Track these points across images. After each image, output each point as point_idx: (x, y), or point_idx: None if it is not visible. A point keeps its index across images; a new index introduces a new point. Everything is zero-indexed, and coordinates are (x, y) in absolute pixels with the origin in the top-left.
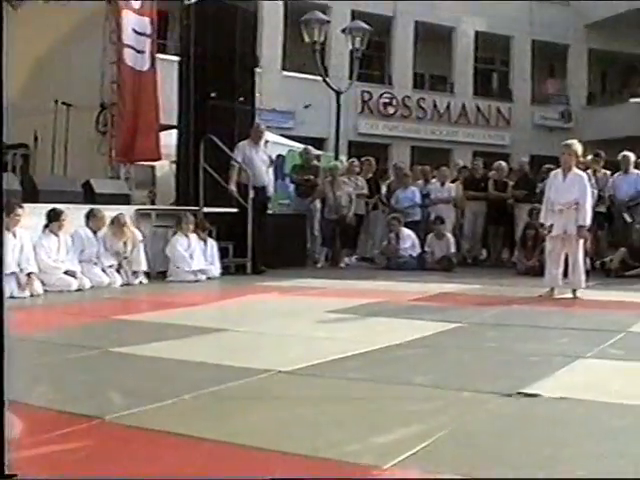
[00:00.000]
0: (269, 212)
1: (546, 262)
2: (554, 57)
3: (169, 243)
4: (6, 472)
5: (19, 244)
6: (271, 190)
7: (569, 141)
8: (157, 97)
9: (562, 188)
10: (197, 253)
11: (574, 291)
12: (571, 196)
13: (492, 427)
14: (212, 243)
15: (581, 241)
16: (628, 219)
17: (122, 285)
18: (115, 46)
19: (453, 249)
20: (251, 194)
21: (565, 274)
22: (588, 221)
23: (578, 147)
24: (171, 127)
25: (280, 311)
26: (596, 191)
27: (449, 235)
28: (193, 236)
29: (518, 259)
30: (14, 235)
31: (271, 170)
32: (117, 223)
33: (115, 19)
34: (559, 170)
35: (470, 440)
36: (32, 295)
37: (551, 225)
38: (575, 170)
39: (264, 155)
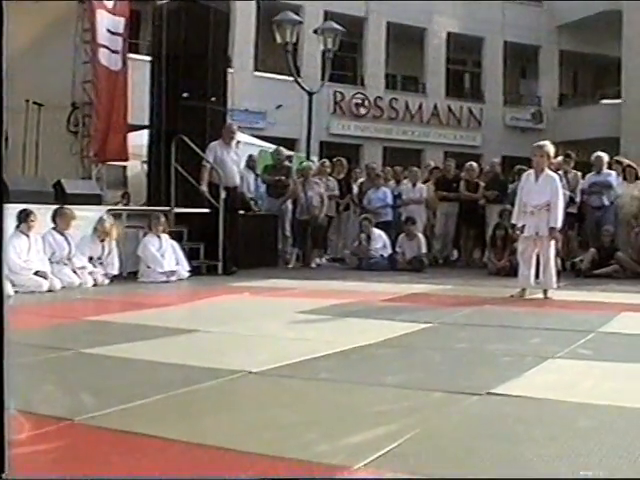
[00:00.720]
0: (242, 212)
1: (519, 263)
2: (526, 58)
3: (141, 243)
4: (6, 472)
5: None
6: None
7: (541, 142)
8: (127, 97)
9: (534, 189)
10: (168, 253)
11: (545, 291)
12: (543, 197)
13: (462, 427)
14: (174, 244)
15: (552, 242)
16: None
17: (93, 286)
18: (89, 45)
19: (424, 249)
20: (222, 194)
21: (537, 275)
22: (559, 223)
23: (550, 148)
24: (143, 127)
25: (251, 312)
26: (567, 192)
27: (420, 235)
28: (164, 236)
29: (489, 259)
30: None
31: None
32: (101, 227)
33: (89, 19)
34: (531, 171)
35: (440, 440)
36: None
37: (523, 226)
38: (547, 171)
39: (235, 155)
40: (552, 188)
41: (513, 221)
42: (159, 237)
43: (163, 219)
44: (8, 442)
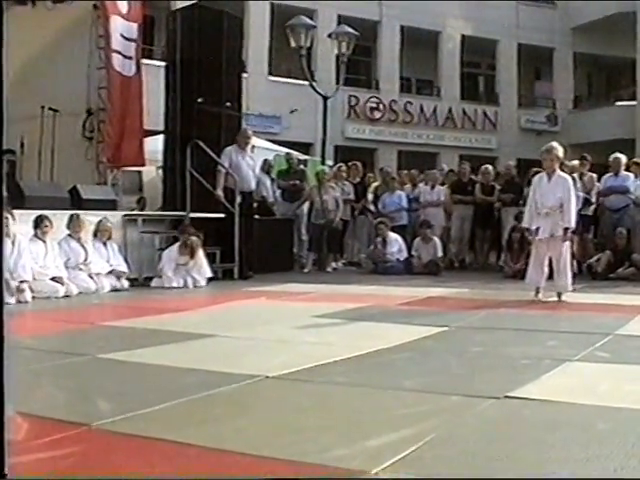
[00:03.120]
0: (258, 217)
1: (529, 264)
2: (540, 60)
3: (170, 248)
4: (6, 471)
5: (16, 251)
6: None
7: (548, 146)
8: (142, 102)
9: (547, 191)
10: (191, 263)
11: (559, 294)
12: (556, 199)
13: (480, 430)
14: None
15: (567, 243)
16: None
17: (110, 291)
18: (103, 51)
19: (440, 253)
20: (238, 199)
21: (550, 276)
22: (573, 223)
23: (559, 150)
24: (158, 132)
25: (268, 316)
26: (582, 194)
27: (436, 239)
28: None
29: (505, 262)
30: (13, 242)
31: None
32: (103, 227)
33: (103, 24)
34: (543, 173)
35: (458, 444)
36: (19, 302)
37: (537, 228)
38: (559, 172)
39: (251, 160)
40: (564, 188)
41: (525, 224)
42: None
43: (194, 245)
44: (8, 442)
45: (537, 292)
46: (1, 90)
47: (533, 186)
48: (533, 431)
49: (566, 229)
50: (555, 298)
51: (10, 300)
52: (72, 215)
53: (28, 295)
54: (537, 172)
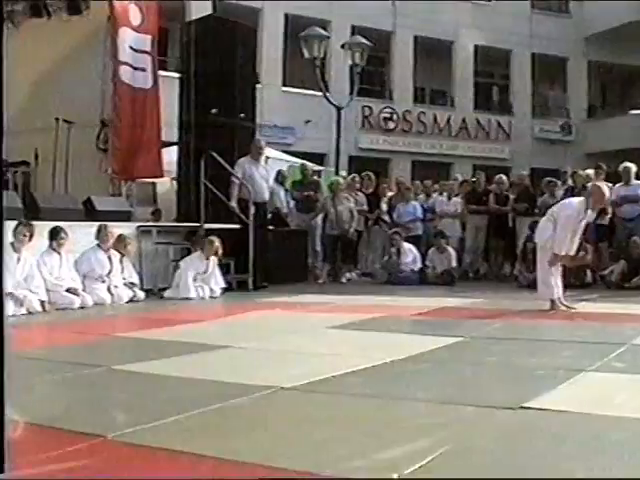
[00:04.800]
0: (272, 228)
1: (545, 277)
2: (554, 70)
3: (185, 260)
4: (5, 471)
5: (21, 266)
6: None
7: (603, 188)
8: (159, 114)
9: (582, 221)
10: (209, 275)
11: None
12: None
13: (496, 441)
14: (215, 261)
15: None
16: None
17: (125, 302)
18: (111, 63)
19: (454, 263)
20: (252, 210)
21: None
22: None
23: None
24: (172, 144)
25: (282, 327)
26: None
27: (450, 249)
28: (212, 259)
29: (519, 272)
30: (18, 258)
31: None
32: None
33: (111, 36)
34: (583, 204)
35: (474, 455)
36: (30, 313)
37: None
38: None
39: (264, 170)
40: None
41: (562, 252)
42: (207, 259)
43: (217, 243)
44: (8, 442)
45: (553, 302)
46: (1, 102)
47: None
48: (549, 442)
49: None
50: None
51: (21, 310)
52: (101, 225)
53: (37, 305)
54: (551, 182)
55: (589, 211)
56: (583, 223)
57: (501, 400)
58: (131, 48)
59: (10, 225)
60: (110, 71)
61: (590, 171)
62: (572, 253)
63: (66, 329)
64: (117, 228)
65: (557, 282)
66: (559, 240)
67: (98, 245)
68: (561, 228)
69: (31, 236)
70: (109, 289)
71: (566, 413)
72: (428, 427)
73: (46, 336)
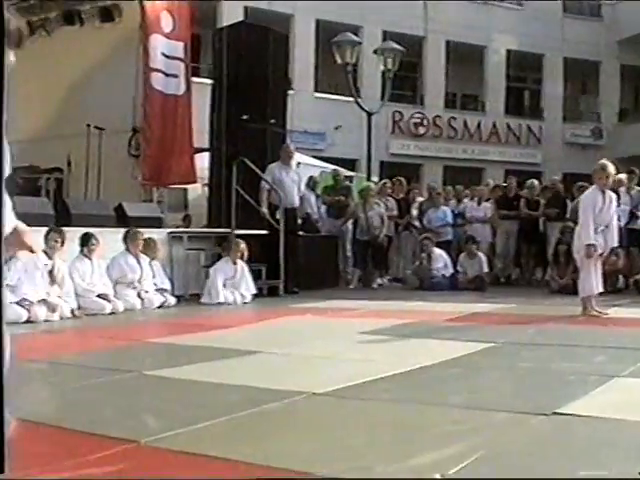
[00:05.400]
0: (302, 234)
1: (586, 275)
2: (586, 74)
3: (214, 266)
4: (5, 470)
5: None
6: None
7: (602, 163)
8: (191, 120)
9: (604, 208)
10: (238, 279)
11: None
12: (608, 217)
13: (529, 447)
14: (243, 266)
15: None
16: None
17: (157, 308)
18: (143, 70)
19: (486, 269)
20: (282, 215)
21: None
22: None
23: (612, 168)
24: (203, 150)
25: (314, 333)
26: (628, 208)
27: (481, 255)
28: (240, 263)
29: (551, 277)
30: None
31: (312, 195)
32: (147, 244)
33: (143, 43)
34: (596, 189)
35: (507, 461)
36: (61, 318)
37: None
38: (609, 192)
39: (295, 175)
40: (614, 207)
41: (590, 241)
42: (235, 263)
43: (243, 245)
44: (8, 442)
45: (585, 307)
46: (2, 104)
47: (590, 203)
48: (582, 447)
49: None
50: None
51: (53, 316)
52: (129, 230)
53: (66, 310)
54: (582, 187)
55: (608, 195)
56: (610, 211)
57: (534, 406)
58: (163, 55)
59: (41, 232)
60: (142, 78)
61: (622, 175)
62: (601, 251)
63: (97, 335)
64: (148, 234)
65: (597, 284)
66: (583, 229)
67: (127, 249)
68: (582, 215)
69: (62, 242)
70: (139, 294)
71: (599, 419)
72: (460, 433)
73: (78, 342)
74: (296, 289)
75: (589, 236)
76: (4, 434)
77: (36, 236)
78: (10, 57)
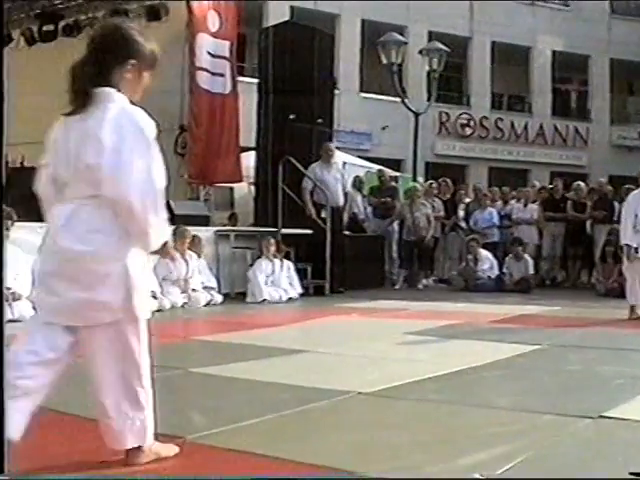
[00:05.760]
0: (348, 233)
1: (627, 283)
2: (633, 75)
3: (253, 266)
4: (5, 470)
5: None
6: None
7: None
8: (238, 119)
9: None
10: (282, 276)
11: None
12: None
13: (575, 450)
14: (289, 265)
15: None
16: None
17: (203, 306)
18: (189, 69)
19: (531, 271)
20: (327, 214)
21: None
22: None
23: None
24: (250, 149)
25: (359, 332)
26: None
27: (527, 257)
28: (277, 260)
29: (597, 280)
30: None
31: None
32: (193, 242)
33: (189, 42)
34: (638, 190)
35: (553, 463)
36: None
37: (637, 248)
38: None
39: (338, 174)
40: None
41: (626, 241)
42: (271, 261)
43: (273, 241)
44: (8, 441)
45: (632, 309)
46: (2, 101)
47: (630, 203)
48: (629, 452)
49: None
50: None
51: None
52: (177, 227)
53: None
54: (630, 189)
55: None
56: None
57: (580, 409)
58: (209, 54)
59: None
60: (188, 76)
61: None
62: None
63: None
64: (194, 232)
65: (638, 288)
66: (621, 229)
67: (174, 248)
68: (622, 216)
69: None
70: (186, 292)
71: None
72: (506, 435)
73: None
74: (342, 289)
75: (625, 235)
76: (4, 434)
77: None
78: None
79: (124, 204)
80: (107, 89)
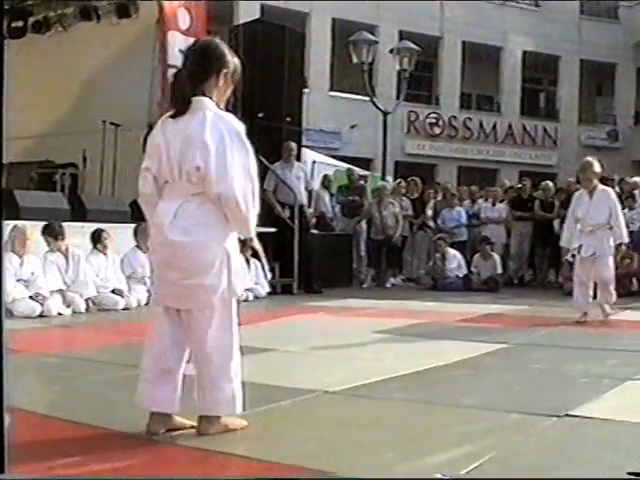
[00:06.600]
0: (316, 232)
1: (574, 287)
2: (602, 76)
3: None
4: (5, 470)
5: (72, 263)
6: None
7: (582, 164)
8: None
9: (591, 208)
10: (244, 273)
11: (603, 309)
12: (602, 216)
13: (541, 449)
14: (256, 263)
15: (611, 261)
16: None
17: None
18: (160, 67)
19: (499, 270)
20: (287, 213)
21: (594, 296)
22: (626, 238)
23: (594, 166)
24: None
25: (327, 331)
26: None
27: (495, 256)
28: (243, 258)
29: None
30: (65, 256)
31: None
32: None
33: (160, 40)
34: (583, 191)
35: (519, 462)
36: (74, 312)
37: (580, 246)
38: (600, 187)
39: (300, 172)
40: (610, 204)
41: (565, 244)
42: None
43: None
44: (8, 442)
45: (585, 314)
46: (1, 103)
47: (573, 205)
48: (595, 450)
49: (619, 244)
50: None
51: (66, 311)
52: (139, 224)
53: (81, 304)
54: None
55: (597, 194)
56: (603, 210)
57: (546, 407)
58: (180, 52)
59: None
60: (159, 74)
61: (638, 178)
62: (590, 253)
63: (110, 330)
64: None
65: (587, 294)
66: (564, 229)
67: (137, 246)
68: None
69: (56, 237)
70: (149, 290)
71: (612, 421)
72: (473, 433)
73: (91, 337)
74: (315, 287)
75: (565, 238)
76: (4, 434)
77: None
78: None
79: (231, 200)
80: (203, 98)
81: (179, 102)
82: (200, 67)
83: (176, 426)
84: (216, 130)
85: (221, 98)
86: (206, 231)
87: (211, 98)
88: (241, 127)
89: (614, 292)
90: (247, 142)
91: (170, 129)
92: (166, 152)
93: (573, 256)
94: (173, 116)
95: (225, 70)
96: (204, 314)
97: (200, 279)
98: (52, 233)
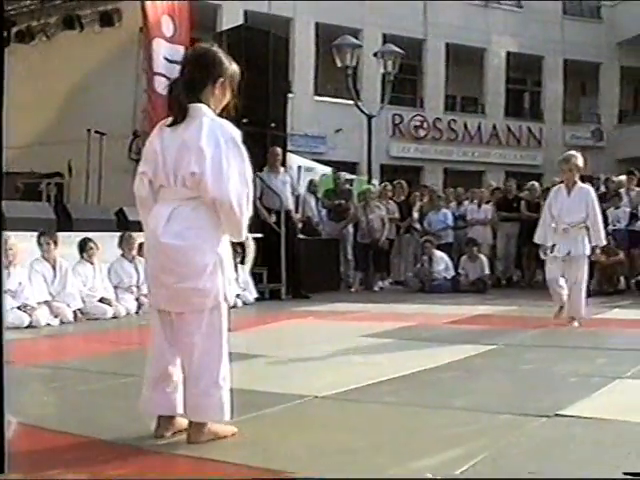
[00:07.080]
0: (303, 237)
1: (548, 284)
2: (586, 76)
3: None
4: (5, 471)
5: (59, 274)
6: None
7: (566, 155)
8: None
9: (567, 205)
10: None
11: (572, 319)
12: (579, 214)
13: (532, 449)
14: (244, 269)
15: (586, 264)
16: None
17: None
18: (146, 75)
19: (487, 271)
20: (273, 218)
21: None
22: (604, 240)
23: (578, 159)
24: None
25: (315, 336)
26: (628, 209)
27: (482, 257)
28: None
29: None
30: (53, 266)
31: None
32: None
33: (146, 47)
34: (561, 186)
35: (511, 462)
36: (62, 322)
37: (553, 246)
38: (580, 184)
39: (286, 177)
40: (588, 203)
41: (538, 240)
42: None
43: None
44: (8, 442)
45: (560, 310)
46: (1, 101)
47: (549, 200)
48: (585, 449)
49: (595, 247)
50: (600, 316)
51: (55, 321)
52: (123, 234)
53: (69, 314)
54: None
55: (577, 190)
56: (582, 208)
57: (536, 408)
58: (165, 59)
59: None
60: (144, 82)
61: (623, 177)
62: (564, 253)
63: (99, 339)
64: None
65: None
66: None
67: (122, 255)
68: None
69: (55, 243)
70: (138, 299)
71: (602, 420)
72: (463, 435)
73: (79, 346)
74: (309, 294)
75: (538, 234)
76: (4, 435)
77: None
78: None
79: (225, 204)
80: (200, 105)
81: (176, 110)
82: (196, 75)
83: (182, 428)
84: (212, 136)
85: (218, 105)
86: (199, 235)
87: (208, 105)
88: (237, 133)
89: (584, 300)
90: (243, 148)
91: (167, 136)
92: (162, 158)
93: (545, 254)
94: (170, 124)
95: (221, 78)
96: (195, 318)
97: (193, 282)
98: (52, 237)
